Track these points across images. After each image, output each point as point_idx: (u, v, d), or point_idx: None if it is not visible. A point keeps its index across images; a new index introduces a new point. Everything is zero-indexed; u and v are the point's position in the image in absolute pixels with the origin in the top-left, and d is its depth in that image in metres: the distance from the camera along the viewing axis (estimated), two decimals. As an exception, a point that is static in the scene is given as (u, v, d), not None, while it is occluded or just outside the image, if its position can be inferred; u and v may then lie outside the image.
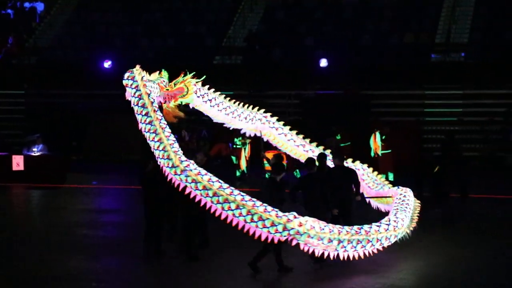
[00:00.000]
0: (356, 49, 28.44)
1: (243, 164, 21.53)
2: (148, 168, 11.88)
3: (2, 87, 30.38)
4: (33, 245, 13.01)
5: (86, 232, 14.19)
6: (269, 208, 10.61)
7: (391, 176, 20.90)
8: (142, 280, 10.83)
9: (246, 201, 10.64)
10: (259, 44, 29.03)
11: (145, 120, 11.40)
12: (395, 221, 11.74)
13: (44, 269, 11.16)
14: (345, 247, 10.81)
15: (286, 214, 10.53)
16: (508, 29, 28.08)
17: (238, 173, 21.55)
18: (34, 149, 21.87)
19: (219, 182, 10.82)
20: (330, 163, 13.09)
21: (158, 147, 11.17)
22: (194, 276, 10.86)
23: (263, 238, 10.54)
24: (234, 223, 10.65)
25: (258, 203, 10.64)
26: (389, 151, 20.91)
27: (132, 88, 11.65)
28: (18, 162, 21.59)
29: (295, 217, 10.50)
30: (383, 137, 20.95)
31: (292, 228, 10.42)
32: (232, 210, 10.61)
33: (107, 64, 28.59)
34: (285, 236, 10.45)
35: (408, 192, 13.04)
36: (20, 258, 11.94)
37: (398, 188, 13.35)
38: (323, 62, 27.23)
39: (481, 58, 27.37)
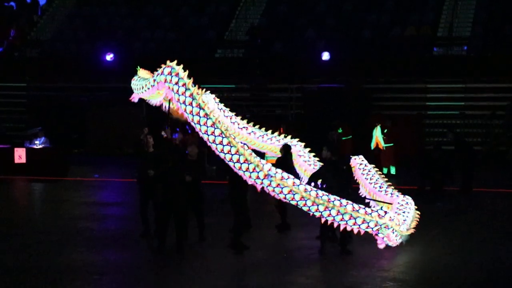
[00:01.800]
0: (357, 42, 28.39)
1: None
2: (168, 164, 11.75)
3: (4, 79, 30.42)
4: (35, 237, 13.03)
5: (87, 225, 14.21)
6: (356, 206, 11.19)
7: (393, 170, 20.92)
8: (143, 273, 10.85)
9: (333, 201, 11.08)
10: (261, 38, 28.99)
11: (205, 122, 11.12)
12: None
13: (46, 262, 11.19)
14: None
15: (375, 209, 11.29)
16: (510, 22, 28.01)
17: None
18: (36, 142, 21.91)
19: (303, 184, 11.18)
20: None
21: (229, 151, 11.05)
22: (195, 270, 10.89)
23: (348, 230, 11.27)
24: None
25: (344, 201, 11.14)
26: (391, 144, 20.91)
27: (180, 86, 11.24)
28: (20, 155, 21.63)
29: (385, 213, 11.30)
30: (385, 131, 20.95)
31: (384, 223, 11.20)
32: (321, 212, 11.08)
33: (109, 57, 28.57)
34: (375, 230, 11.24)
35: (409, 200, 12.98)
36: (21, 250, 11.97)
37: (399, 196, 13.27)
38: (325, 56, 27.18)
39: (483, 52, 27.33)
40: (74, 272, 10.59)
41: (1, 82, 30.54)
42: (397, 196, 13.11)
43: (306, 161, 14.50)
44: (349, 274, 10.67)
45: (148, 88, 12.03)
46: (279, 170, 11.22)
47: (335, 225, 11.23)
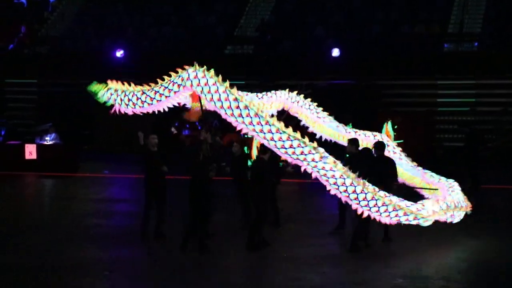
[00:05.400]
0: (367, 39, 28.32)
1: (255, 154, 21.43)
2: (199, 158, 11.74)
3: (14, 76, 30.53)
4: (45, 234, 13.07)
5: (97, 221, 14.24)
6: (408, 202, 11.61)
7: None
8: (153, 269, 10.86)
9: (378, 191, 11.31)
10: (271, 34, 28.95)
11: (248, 114, 11.08)
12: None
13: (56, 258, 11.21)
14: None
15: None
16: (522, 18, 27.87)
17: (249, 163, 21.48)
18: (46, 138, 21.99)
19: (361, 179, 11.30)
20: None
21: (280, 138, 11.05)
22: (204, 267, 10.89)
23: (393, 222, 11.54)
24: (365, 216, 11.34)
25: (398, 198, 11.46)
26: (401, 141, 20.82)
27: (211, 85, 11.18)
28: (30, 151, 21.71)
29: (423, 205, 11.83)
30: (395, 127, 20.88)
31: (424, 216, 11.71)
32: (368, 201, 11.18)
33: (119, 53, 28.60)
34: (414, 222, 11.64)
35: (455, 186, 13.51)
36: (31, 247, 12.00)
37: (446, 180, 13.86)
38: (335, 52, 27.12)
39: (494, 48, 27.18)
40: (84, 269, 10.61)
41: (12, 78, 30.65)
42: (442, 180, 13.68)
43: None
44: (359, 271, 10.64)
45: (167, 96, 11.65)
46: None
47: (376, 216, 11.29)
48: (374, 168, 12.04)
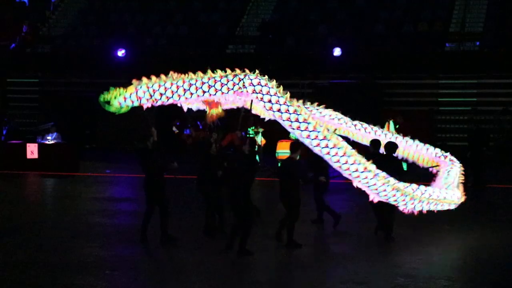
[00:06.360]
0: (370, 38, 28.32)
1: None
2: (212, 149, 12.02)
3: (16, 75, 30.57)
4: (46, 233, 13.09)
5: (99, 220, 14.26)
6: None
7: (404, 166, 20.80)
8: (155, 268, 10.87)
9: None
10: (273, 33, 28.94)
11: (306, 127, 11.38)
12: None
13: (57, 257, 11.22)
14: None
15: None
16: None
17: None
18: (48, 138, 22.02)
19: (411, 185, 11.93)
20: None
21: (337, 153, 11.39)
22: (204, 267, 10.90)
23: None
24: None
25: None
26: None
27: (272, 95, 11.39)
28: (32, 150, 21.74)
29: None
30: (397, 126, 20.87)
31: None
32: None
33: (120, 52, 28.62)
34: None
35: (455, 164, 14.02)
36: (33, 246, 12.01)
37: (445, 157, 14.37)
38: (337, 51, 27.11)
39: (496, 47, 27.18)
40: (86, 268, 10.62)
41: (14, 77, 30.71)
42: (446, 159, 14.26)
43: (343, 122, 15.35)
44: (360, 270, 10.65)
45: (223, 93, 11.45)
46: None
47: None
48: (380, 167, 12.05)
